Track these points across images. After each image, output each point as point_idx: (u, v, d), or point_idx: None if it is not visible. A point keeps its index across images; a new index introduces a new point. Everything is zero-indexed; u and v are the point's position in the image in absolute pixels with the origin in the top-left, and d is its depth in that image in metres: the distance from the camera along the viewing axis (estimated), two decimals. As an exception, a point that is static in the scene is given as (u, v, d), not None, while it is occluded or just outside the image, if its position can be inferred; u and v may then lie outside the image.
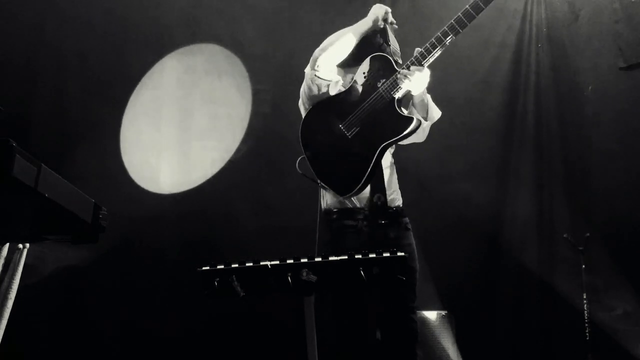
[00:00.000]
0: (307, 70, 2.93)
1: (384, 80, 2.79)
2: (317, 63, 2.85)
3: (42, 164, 1.36)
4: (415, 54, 2.75)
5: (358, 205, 2.87)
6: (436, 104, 3.37)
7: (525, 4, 4.53)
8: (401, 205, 2.97)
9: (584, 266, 3.89)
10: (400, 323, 2.84)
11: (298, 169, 2.88)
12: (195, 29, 4.38)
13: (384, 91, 2.77)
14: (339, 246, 2.76)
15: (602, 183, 4.18)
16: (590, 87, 4.27)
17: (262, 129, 4.35)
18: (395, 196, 2.94)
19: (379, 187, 2.91)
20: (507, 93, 4.48)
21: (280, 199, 4.23)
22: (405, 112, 2.85)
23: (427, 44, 2.72)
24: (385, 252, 2.11)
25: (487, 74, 4.48)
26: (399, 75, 2.74)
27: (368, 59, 2.83)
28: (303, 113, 2.98)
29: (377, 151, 2.74)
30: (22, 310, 2.23)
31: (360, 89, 2.83)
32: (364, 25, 2.91)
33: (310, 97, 2.92)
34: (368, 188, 2.86)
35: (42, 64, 4.14)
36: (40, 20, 4.13)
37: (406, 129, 2.77)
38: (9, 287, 2.02)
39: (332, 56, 2.86)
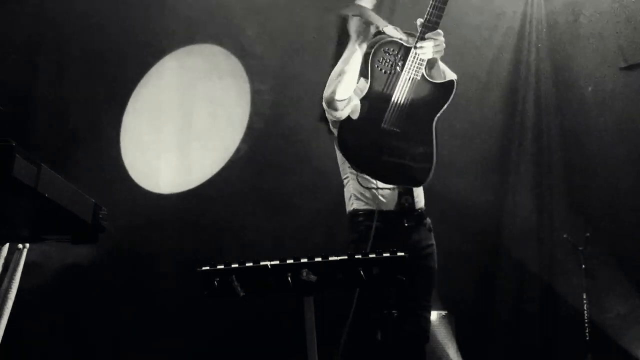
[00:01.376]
0: (325, 108, 2.81)
1: (402, 62, 2.71)
2: (336, 106, 2.73)
3: (42, 164, 1.36)
4: (423, 22, 2.64)
5: (384, 208, 2.88)
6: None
7: (525, 4, 4.53)
8: (424, 207, 2.99)
9: (584, 266, 3.89)
10: (414, 321, 2.87)
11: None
12: (195, 29, 4.38)
13: (410, 72, 2.69)
14: (363, 247, 2.77)
15: (602, 183, 4.18)
16: (590, 87, 4.27)
17: (262, 129, 4.35)
18: (419, 198, 2.96)
19: (406, 190, 2.92)
20: (507, 93, 4.48)
21: (280, 198, 4.23)
22: (439, 79, 2.78)
23: (435, 5, 2.61)
24: (385, 252, 2.11)
25: (487, 75, 4.48)
26: (418, 51, 2.66)
27: (373, 51, 2.73)
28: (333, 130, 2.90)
29: (433, 126, 2.72)
30: (23, 310, 2.23)
31: (381, 82, 2.74)
32: (356, 49, 2.73)
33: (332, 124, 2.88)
34: (396, 191, 2.86)
35: (42, 65, 4.14)
36: (40, 21, 4.13)
37: (451, 92, 2.74)
38: (9, 287, 2.02)
39: (345, 89, 2.72)
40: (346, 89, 2.74)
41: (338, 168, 3.83)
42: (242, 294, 2.08)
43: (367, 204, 2.92)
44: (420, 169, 2.76)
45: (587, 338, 3.79)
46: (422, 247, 2.86)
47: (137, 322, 3.97)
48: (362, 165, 2.80)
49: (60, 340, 3.86)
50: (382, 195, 2.90)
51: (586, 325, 3.80)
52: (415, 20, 2.66)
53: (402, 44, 2.74)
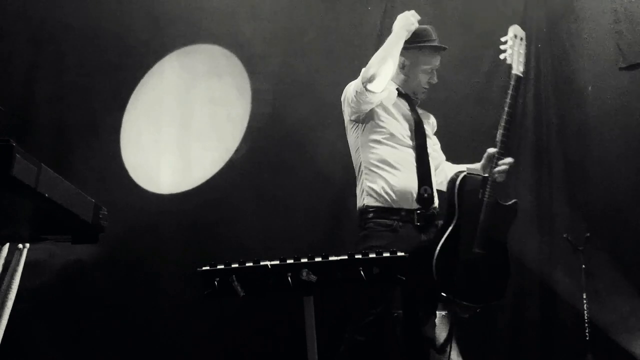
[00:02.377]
0: (357, 86, 2.95)
1: (482, 190, 2.99)
2: (373, 78, 2.89)
3: (42, 164, 1.36)
4: (497, 150, 3.01)
5: (394, 206, 2.91)
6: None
7: (525, 4, 4.52)
8: (437, 208, 3.04)
9: (584, 266, 3.89)
10: (421, 324, 2.95)
11: None
12: (195, 29, 4.37)
13: (489, 198, 2.98)
14: (369, 243, 2.82)
15: (602, 183, 4.18)
16: (590, 87, 4.26)
17: (262, 129, 4.35)
18: (435, 196, 3.01)
19: (426, 180, 2.99)
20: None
21: (281, 198, 4.23)
22: (507, 201, 3.09)
23: (500, 137, 3.03)
24: (386, 252, 2.11)
25: (486, 75, 4.48)
26: (496, 176, 2.99)
27: (458, 183, 3.00)
28: (350, 127, 3.12)
29: (506, 248, 3.04)
30: (23, 310, 2.23)
31: (469, 209, 2.98)
32: (401, 37, 3.03)
33: (358, 113, 3.02)
34: (414, 183, 2.96)
35: (42, 64, 4.13)
36: (40, 21, 4.13)
37: (516, 212, 3.08)
38: (9, 287, 2.03)
39: (386, 72, 2.94)
40: (388, 73, 2.92)
41: (338, 168, 3.83)
42: (242, 294, 2.08)
43: (378, 200, 2.94)
44: (499, 285, 3.05)
45: (587, 338, 3.79)
46: (432, 249, 2.92)
47: (137, 321, 3.97)
48: (456, 289, 2.93)
49: (59, 341, 3.85)
50: (397, 190, 2.93)
51: (586, 325, 3.80)
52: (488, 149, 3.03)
53: (481, 174, 3.02)
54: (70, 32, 4.17)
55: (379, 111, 3.05)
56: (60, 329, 3.88)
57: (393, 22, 3.16)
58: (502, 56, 3.28)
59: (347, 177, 4.28)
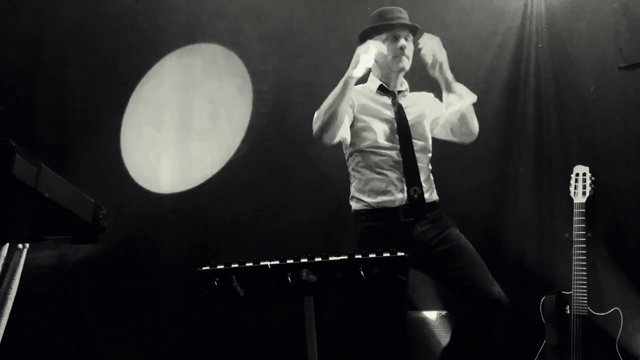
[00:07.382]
0: (314, 133, 2.91)
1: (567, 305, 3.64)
2: (321, 133, 2.80)
3: (42, 164, 1.36)
4: None
5: (378, 207, 2.90)
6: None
7: (525, 4, 4.53)
8: (436, 202, 3.02)
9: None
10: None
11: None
12: (195, 28, 4.37)
13: (577, 311, 3.65)
14: (365, 246, 2.83)
15: (603, 183, 4.18)
16: (592, 88, 4.25)
17: (263, 129, 4.35)
18: (428, 193, 2.99)
19: (414, 181, 2.94)
20: (506, 94, 4.47)
21: (281, 199, 4.23)
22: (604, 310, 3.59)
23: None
24: (386, 252, 2.12)
25: (486, 75, 4.47)
26: None
27: (541, 313, 3.64)
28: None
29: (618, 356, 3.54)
30: (22, 310, 2.23)
31: (554, 330, 3.66)
32: (346, 83, 2.76)
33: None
34: (398, 184, 2.93)
35: (42, 64, 4.13)
36: (40, 21, 4.13)
37: (619, 320, 3.62)
38: (9, 287, 2.03)
39: (334, 125, 2.78)
40: (336, 125, 2.75)
41: (338, 168, 3.84)
42: (242, 294, 2.08)
43: (362, 203, 2.94)
44: None
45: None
46: (430, 237, 2.91)
47: (137, 322, 3.97)
48: None
49: (58, 341, 3.86)
50: (379, 193, 2.92)
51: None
52: None
53: None
54: (70, 32, 4.17)
55: (358, 116, 3.01)
56: (59, 329, 3.88)
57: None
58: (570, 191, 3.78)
59: (347, 177, 4.29)
